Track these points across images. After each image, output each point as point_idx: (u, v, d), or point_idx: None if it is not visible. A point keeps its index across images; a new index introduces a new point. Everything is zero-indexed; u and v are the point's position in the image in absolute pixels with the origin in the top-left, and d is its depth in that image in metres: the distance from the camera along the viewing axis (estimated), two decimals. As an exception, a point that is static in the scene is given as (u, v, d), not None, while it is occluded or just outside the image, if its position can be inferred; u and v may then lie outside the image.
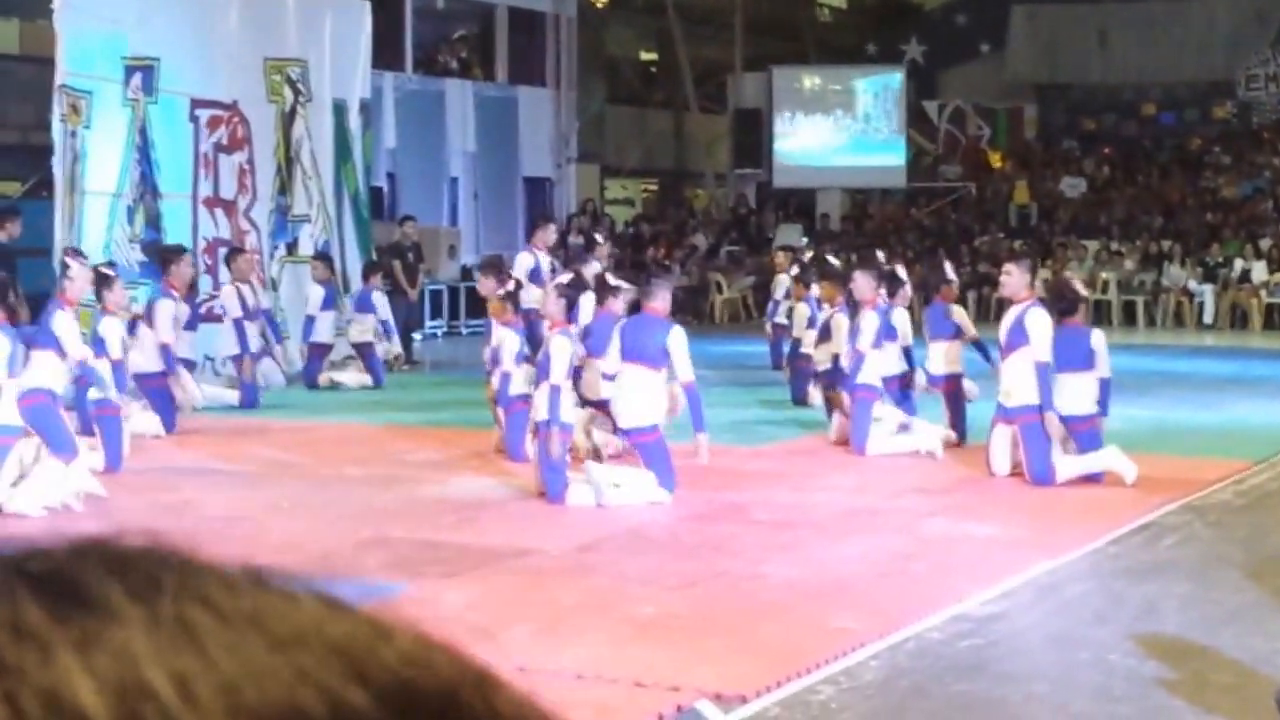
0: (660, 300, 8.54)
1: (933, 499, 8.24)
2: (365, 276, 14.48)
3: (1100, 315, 21.57)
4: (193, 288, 12.23)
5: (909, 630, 5.55)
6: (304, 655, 0.36)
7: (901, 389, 9.82)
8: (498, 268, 10.27)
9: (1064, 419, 8.45)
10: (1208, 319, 20.74)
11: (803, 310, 12.16)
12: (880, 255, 11.91)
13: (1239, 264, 20.98)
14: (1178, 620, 5.79)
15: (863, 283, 9.68)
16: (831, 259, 12.85)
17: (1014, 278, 8.89)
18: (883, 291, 9.85)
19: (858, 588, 6.24)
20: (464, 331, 18.61)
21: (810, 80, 26.33)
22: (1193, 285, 21.04)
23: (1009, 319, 8.79)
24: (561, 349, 7.99)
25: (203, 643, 0.36)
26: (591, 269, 10.82)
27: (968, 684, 4.98)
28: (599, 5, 23.38)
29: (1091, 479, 8.59)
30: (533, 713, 0.39)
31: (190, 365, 11.40)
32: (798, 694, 4.86)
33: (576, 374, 8.64)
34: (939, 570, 6.56)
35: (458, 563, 6.54)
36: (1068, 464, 8.77)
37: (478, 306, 19.74)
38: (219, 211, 14.61)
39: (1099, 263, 21.99)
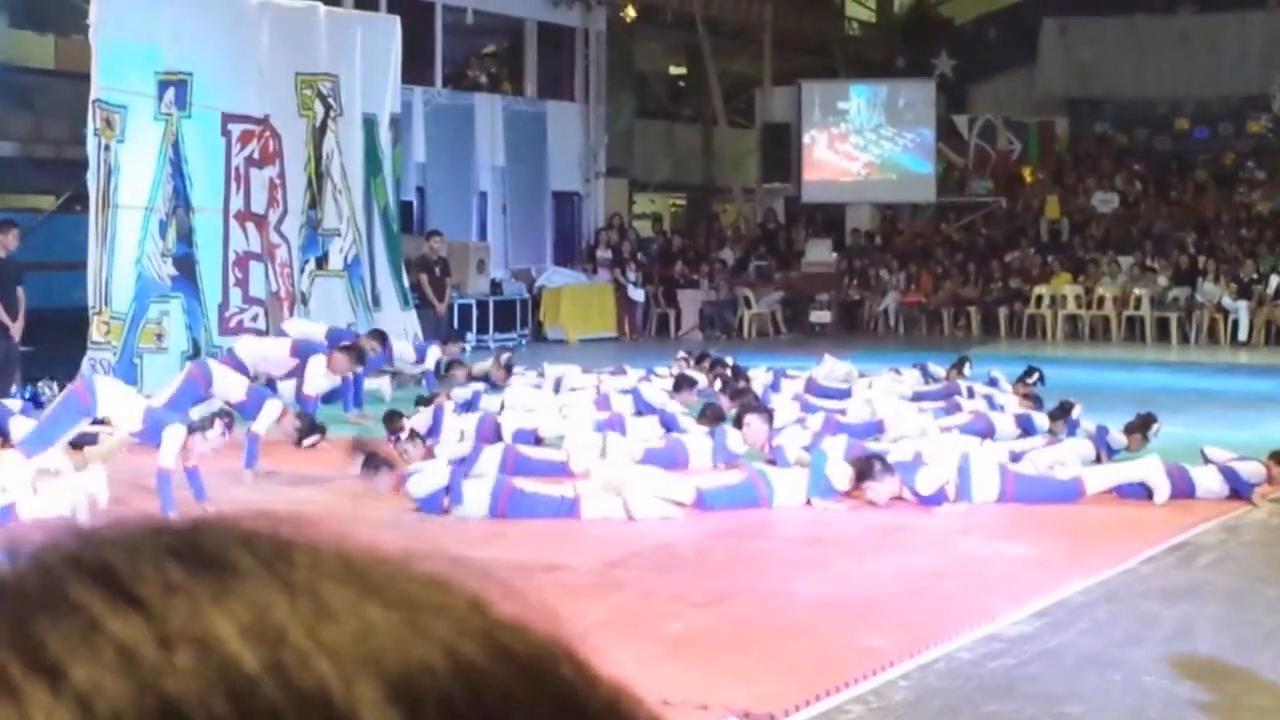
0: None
1: (964, 517, 8.18)
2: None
3: (1134, 331, 21.42)
4: None
5: (939, 650, 5.50)
6: (419, 615, 0.40)
7: None
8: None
9: None
10: (1242, 335, 20.54)
11: None
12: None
13: (1274, 280, 20.79)
14: (1212, 642, 5.72)
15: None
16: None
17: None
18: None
19: (887, 606, 6.19)
20: (492, 346, 18.63)
21: (839, 94, 26.27)
22: (1227, 301, 20.85)
23: None
24: None
25: (326, 601, 0.39)
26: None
27: (999, 705, 4.93)
28: (628, 20, 23.40)
29: (1124, 497, 8.53)
30: (617, 685, 0.43)
31: None
32: (827, 713, 4.82)
33: None
34: (970, 589, 6.50)
35: (485, 578, 6.51)
36: (1101, 474, 8.73)
37: (507, 320, 19.84)
38: (250, 225, 14.70)
39: (1132, 278, 21.83)
